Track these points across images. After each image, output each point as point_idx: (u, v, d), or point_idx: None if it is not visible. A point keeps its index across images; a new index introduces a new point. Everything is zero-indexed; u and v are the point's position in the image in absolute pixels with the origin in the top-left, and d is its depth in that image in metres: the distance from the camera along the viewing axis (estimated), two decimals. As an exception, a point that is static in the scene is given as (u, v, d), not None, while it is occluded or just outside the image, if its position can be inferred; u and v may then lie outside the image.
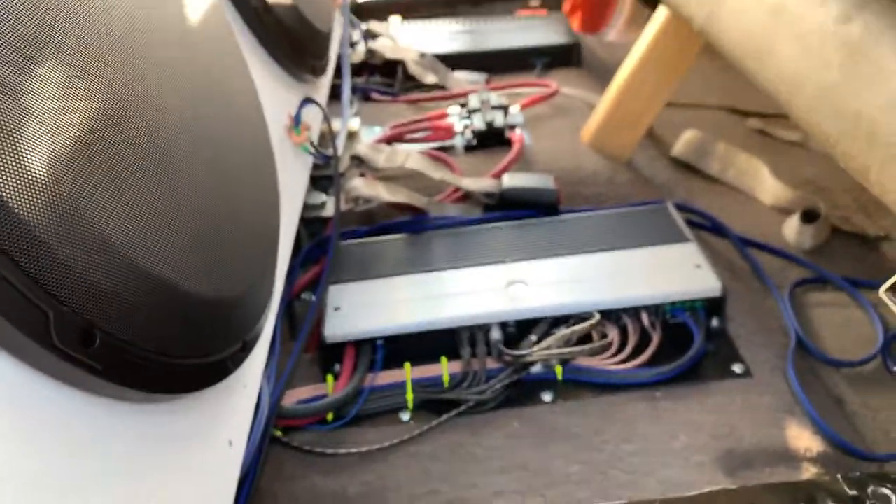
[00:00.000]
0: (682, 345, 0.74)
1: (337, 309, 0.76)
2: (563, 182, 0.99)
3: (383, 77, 1.36)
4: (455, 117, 1.20)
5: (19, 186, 0.31)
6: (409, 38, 1.45)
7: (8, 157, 0.31)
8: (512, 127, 1.16)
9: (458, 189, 0.98)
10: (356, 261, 0.83)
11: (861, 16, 0.49)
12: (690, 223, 0.89)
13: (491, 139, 1.14)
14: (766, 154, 1.07)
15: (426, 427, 0.68)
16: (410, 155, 1.00)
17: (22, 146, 0.31)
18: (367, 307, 0.76)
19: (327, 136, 0.90)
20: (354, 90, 1.28)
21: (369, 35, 1.43)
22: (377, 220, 0.93)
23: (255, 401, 0.55)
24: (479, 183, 0.96)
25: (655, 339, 0.74)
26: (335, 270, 0.81)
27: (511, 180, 0.95)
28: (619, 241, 0.82)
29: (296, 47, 0.80)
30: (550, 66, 1.40)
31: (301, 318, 0.79)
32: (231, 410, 0.50)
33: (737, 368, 0.72)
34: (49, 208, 0.32)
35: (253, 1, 0.70)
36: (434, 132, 1.17)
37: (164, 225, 0.40)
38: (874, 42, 0.47)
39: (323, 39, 0.92)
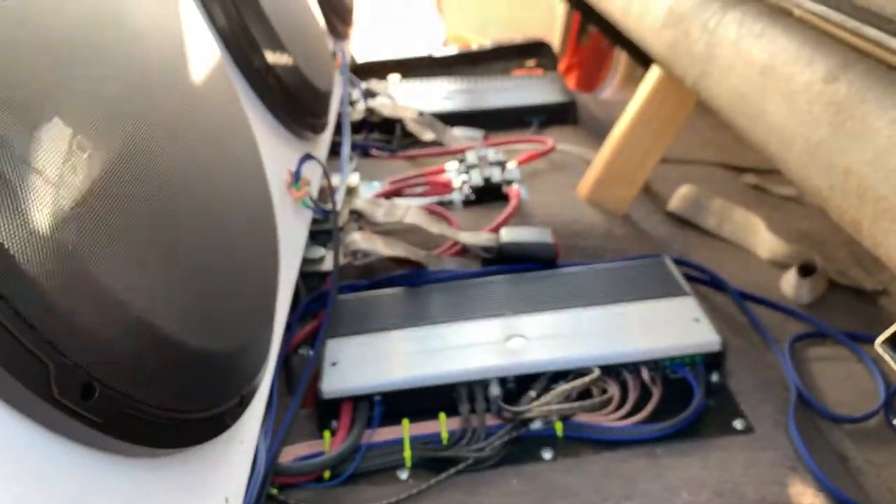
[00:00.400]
0: (682, 400, 0.73)
1: (334, 364, 0.75)
2: (561, 236, 1.00)
3: (382, 134, 1.38)
4: (453, 173, 1.21)
5: (23, 240, 0.32)
6: (407, 97, 1.49)
7: (13, 213, 0.31)
8: (509, 182, 1.17)
9: (456, 243, 0.99)
10: (354, 315, 0.83)
11: (846, 76, 0.51)
12: (688, 277, 0.90)
13: (488, 194, 1.15)
14: (762, 209, 1.08)
15: (425, 486, 0.67)
16: (409, 209, 1.01)
17: (27, 201, 0.32)
18: (365, 362, 0.75)
19: (326, 192, 0.92)
20: (354, 147, 1.30)
21: (369, 94, 1.46)
22: (376, 274, 0.94)
23: (252, 457, 0.55)
24: (477, 237, 0.97)
25: (656, 394, 0.73)
26: (333, 324, 0.81)
27: (509, 234, 0.96)
28: (618, 295, 0.83)
29: (296, 106, 0.82)
30: (547, 124, 1.43)
31: (298, 373, 0.79)
32: (228, 466, 0.49)
33: (738, 424, 0.72)
34: (52, 261, 0.33)
35: (255, 61, 0.72)
36: (432, 187, 1.18)
37: (166, 278, 0.41)
38: (860, 100, 0.49)
39: (323, 98, 0.94)
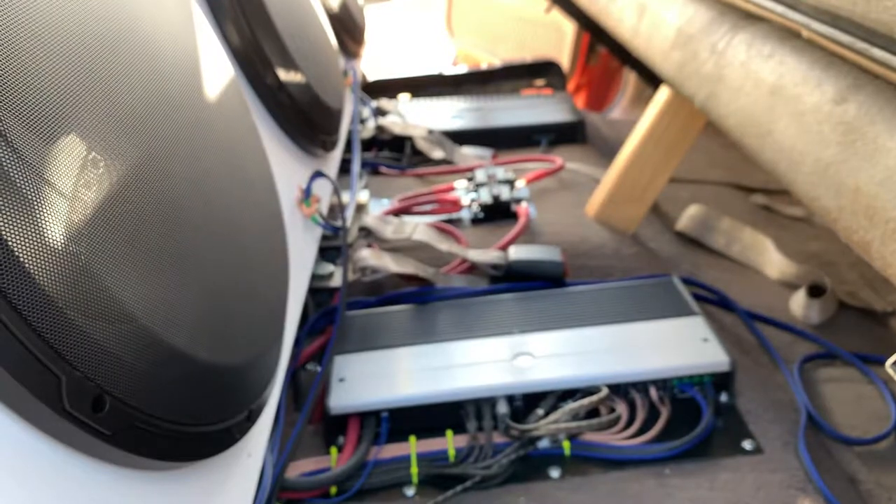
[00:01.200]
0: (691, 420, 0.73)
1: (342, 380, 0.75)
2: (570, 254, 1.00)
3: (392, 152, 1.39)
4: (462, 191, 1.22)
5: (37, 253, 0.32)
6: (417, 115, 1.49)
7: (28, 227, 0.32)
8: (518, 200, 1.17)
9: (464, 261, 0.99)
10: (362, 331, 0.83)
11: (856, 97, 0.51)
12: (697, 297, 0.90)
13: (497, 212, 1.16)
14: (771, 229, 1.08)
15: (431, 503, 0.67)
16: (418, 227, 1.01)
17: (41, 215, 0.33)
18: (373, 378, 0.75)
19: (336, 208, 0.92)
20: (364, 164, 1.31)
21: (379, 112, 1.48)
22: (384, 291, 0.94)
23: (258, 472, 0.55)
24: (485, 255, 0.97)
25: (664, 413, 0.73)
26: (341, 341, 0.81)
27: (517, 252, 0.96)
28: (627, 314, 0.82)
29: (308, 123, 0.82)
30: (555, 143, 1.43)
31: (306, 389, 0.79)
32: (235, 481, 0.49)
33: (747, 445, 0.71)
34: (66, 275, 0.33)
35: (268, 79, 0.73)
36: (441, 205, 1.19)
37: (177, 292, 0.41)
38: (869, 121, 0.49)
39: (334, 116, 0.95)
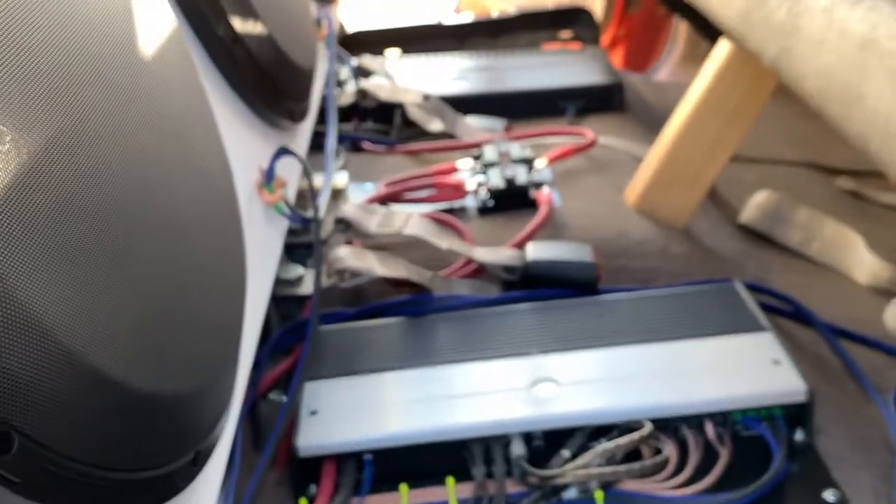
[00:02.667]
0: (757, 464, 0.73)
1: (314, 413, 0.75)
2: (603, 254, 1.00)
3: (377, 123, 1.39)
4: (467, 172, 1.22)
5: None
6: (410, 76, 1.49)
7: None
8: (538, 185, 1.18)
9: (469, 261, 0.99)
10: (340, 351, 0.83)
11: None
12: (765, 307, 0.90)
13: (511, 200, 1.16)
14: (860, 221, 1.08)
15: (427, 569, 0.67)
16: (410, 218, 1.01)
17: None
18: (353, 411, 0.75)
19: (307, 195, 0.92)
20: (341, 139, 1.31)
21: (361, 72, 1.48)
22: (367, 300, 0.94)
23: (207, 530, 0.55)
24: (496, 254, 0.97)
25: (724, 456, 0.73)
26: (313, 363, 0.81)
27: (537, 251, 0.96)
28: (676, 330, 0.82)
29: (270, 87, 0.82)
30: (586, 111, 1.43)
31: (268, 424, 0.79)
32: (177, 542, 0.49)
33: (829, 496, 0.71)
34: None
35: (220, 30, 0.73)
36: (440, 191, 1.19)
37: (105, 303, 0.41)
38: None
39: (304, 77, 0.95)
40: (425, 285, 0.92)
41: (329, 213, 1.03)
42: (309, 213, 0.88)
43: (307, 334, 0.81)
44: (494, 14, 1.73)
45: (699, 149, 1.09)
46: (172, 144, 0.54)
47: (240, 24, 0.76)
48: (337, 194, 1.11)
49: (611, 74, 1.48)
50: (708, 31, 1.50)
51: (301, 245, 0.96)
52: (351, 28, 1.68)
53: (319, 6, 1.29)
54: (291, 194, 0.88)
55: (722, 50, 1.06)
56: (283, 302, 0.91)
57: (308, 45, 1.01)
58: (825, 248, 1.05)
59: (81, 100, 0.45)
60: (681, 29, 1.72)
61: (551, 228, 1.10)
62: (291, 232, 0.92)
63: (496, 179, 1.17)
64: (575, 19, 1.71)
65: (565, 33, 1.71)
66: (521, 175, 1.17)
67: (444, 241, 0.99)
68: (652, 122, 1.34)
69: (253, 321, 0.69)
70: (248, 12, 0.79)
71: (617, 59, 1.81)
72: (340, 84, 1.43)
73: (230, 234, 0.62)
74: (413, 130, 1.37)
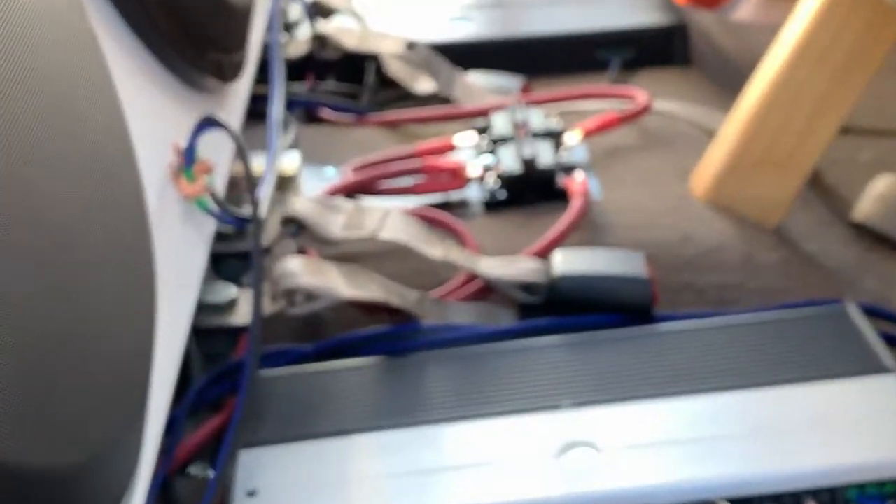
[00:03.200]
0: (881, 562, 0.73)
1: (252, 494, 0.75)
2: (661, 266, 1.00)
3: (342, 82, 1.39)
4: (469, 151, 1.22)
5: None
6: (387, 16, 1.49)
7: None
8: (568, 169, 1.17)
9: (472, 277, 0.99)
10: (289, 406, 0.83)
11: None
12: (890, 339, 0.90)
13: (532, 190, 1.16)
14: None
15: None
16: (389, 217, 1.01)
17: None
18: (308, 491, 0.75)
19: (242, 184, 0.92)
20: (291, 104, 1.30)
21: (319, 10, 1.47)
22: (328, 333, 0.94)
23: None
24: (510, 267, 0.97)
25: (832, 551, 0.73)
26: (251, 423, 0.80)
27: (568, 263, 0.96)
28: (764, 374, 0.82)
29: (189, 31, 0.82)
30: (635, 65, 1.43)
31: (188, 511, 0.78)
32: None
33: None
34: None
35: (118, -48, 0.73)
36: (431, 177, 1.19)
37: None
38: None
39: (237, 18, 0.94)
40: (410, 311, 0.92)
41: (274, 211, 1.02)
42: (246, 211, 0.87)
43: (242, 382, 0.80)
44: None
45: (796, 117, 1.09)
46: (45, 115, 0.54)
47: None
48: (285, 183, 1.11)
49: (670, 13, 1.48)
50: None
51: (234, 255, 0.95)
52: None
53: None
54: (220, 183, 0.87)
55: (827, -22, 1.06)
56: (208, 336, 0.91)
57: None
58: (974, 255, 1.05)
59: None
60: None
61: (588, 230, 1.10)
62: (221, 237, 0.91)
63: (510, 161, 1.17)
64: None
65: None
66: (544, 155, 1.17)
67: (437, 249, 0.98)
68: (728, 80, 1.33)
69: (165, 365, 0.69)
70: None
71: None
72: (289, 28, 1.43)
73: (132, 244, 0.61)
74: (392, 92, 1.37)
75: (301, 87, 1.37)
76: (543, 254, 1.01)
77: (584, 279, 0.94)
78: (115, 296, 0.57)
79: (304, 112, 1.34)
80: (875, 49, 1.05)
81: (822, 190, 1.17)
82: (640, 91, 1.31)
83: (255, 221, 0.87)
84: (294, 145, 1.22)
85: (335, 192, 1.15)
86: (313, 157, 1.22)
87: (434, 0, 1.55)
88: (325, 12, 1.48)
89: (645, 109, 1.28)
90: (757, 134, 1.10)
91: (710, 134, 1.20)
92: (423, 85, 1.36)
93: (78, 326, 0.51)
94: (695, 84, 1.39)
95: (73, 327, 0.50)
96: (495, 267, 0.97)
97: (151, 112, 0.76)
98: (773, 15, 1.55)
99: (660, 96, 1.32)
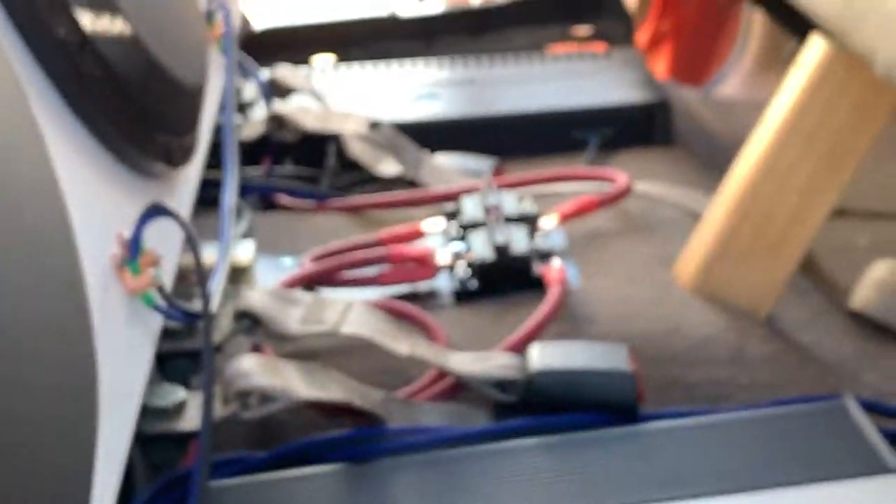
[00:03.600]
0: None
1: None
2: (646, 360, 1.00)
3: (300, 165, 1.40)
4: (437, 238, 1.22)
5: None
6: (349, 95, 1.51)
7: None
8: (545, 256, 1.18)
9: (443, 375, 0.98)
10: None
11: None
12: (892, 437, 0.90)
13: (505, 279, 1.16)
14: None
15: None
16: (351, 310, 1.00)
17: None
18: None
19: (192, 277, 0.92)
20: (245, 190, 1.30)
21: (276, 90, 1.48)
22: (285, 438, 0.93)
23: None
24: (483, 362, 0.97)
25: None
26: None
27: (546, 357, 0.95)
28: (759, 475, 0.82)
29: (136, 113, 0.82)
30: (615, 144, 1.45)
31: None
32: None
33: None
34: None
35: (59, 29, 0.73)
36: (397, 267, 1.18)
37: None
38: None
39: (187, 99, 0.95)
40: (375, 413, 0.91)
41: (226, 305, 1.02)
42: (195, 305, 0.87)
43: (191, 494, 0.79)
44: (476, 3, 1.75)
45: (785, 200, 1.10)
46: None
47: (90, 21, 0.76)
48: (239, 275, 1.11)
49: (651, 89, 1.50)
50: (794, 23, 1.53)
51: (183, 354, 0.95)
52: (260, 24, 1.70)
53: (212, -8, 1.30)
54: (168, 276, 0.87)
55: (815, 52, 1.07)
56: (154, 444, 0.90)
57: (194, 50, 1.01)
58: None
59: None
60: (754, 21, 1.74)
61: (566, 322, 1.10)
62: (168, 334, 0.91)
63: (481, 248, 1.17)
64: (595, 9, 1.73)
65: (582, 29, 1.73)
66: (518, 241, 1.18)
67: (404, 344, 0.98)
68: (713, 161, 1.35)
69: (106, 477, 0.68)
70: (104, 2, 0.79)
71: (660, 66, 1.83)
72: (244, 108, 1.44)
73: (70, 343, 0.61)
74: (355, 175, 1.38)
75: (256, 172, 1.38)
76: (519, 348, 1.01)
77: (563, 375, 0.94)
78: (50, 401, 0.56)
79: (260, 198, 1.35)
80: (865, 129, 1.07)
81: (817, 277, 1.17)
82: (619, 172, 1.32)
83: (206, 317, 0.87)
84: (248, 234, 1.23)
85: (293, 283, 1.15)
86: (269, 247, 1.22)
87: (398, 77, 1.57)
88: (282, 91, 1.49)
89: (625, 192, 1.29)
90: (744, 217, 1.11)
91: (694, 217, 1.21)
92: (388, 167, 1.37)
93: (5, 437, 0.50)
94: (678, 164, 1.40)
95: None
96: (467, 363, 0.97)
97: (93, 199, 0.76)
98: (759, 91, 1.57)
99: (641, 178, 1.33)
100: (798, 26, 1.38)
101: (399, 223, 1.27)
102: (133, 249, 0.78)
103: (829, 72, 1.06)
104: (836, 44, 1.00)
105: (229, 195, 1.12)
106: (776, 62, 1.69)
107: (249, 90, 1.46)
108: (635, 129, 1.46)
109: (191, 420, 0.90)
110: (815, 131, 1.07)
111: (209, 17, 1.22)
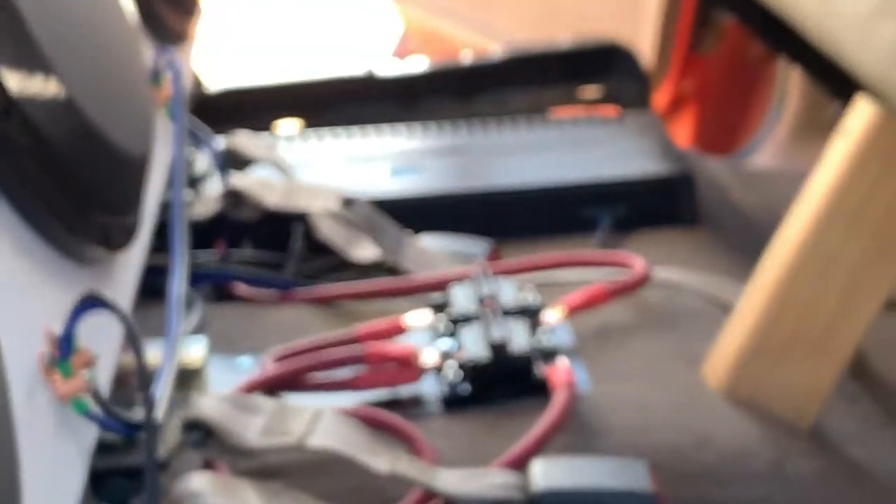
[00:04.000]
0: None
1: None
2: (669, 477, 1.00)
3: (261, 249, 1.40)
4: (422, 335, 1.22)
5: None
6: (319, 167, 1.51)
7: None
8: (549, 355, 1.17)
9: (429, 495, 0.98)
10: None
11: None
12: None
13: (502, 382, 1.15)
14: None
15: None
16: (321, 419, 1.00)
17: None
18: None
19: (133, 380, 0.91)
20: (197, 277, 1.30)
21: (233, 161, 1.48)
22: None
23: None
24: (476, 480, 0.97)
25: None
26: None
27: (551, 475, 0.95)
28: None
29: (70, 190, 0.82)
30: (630, 224, 1.45)
31: None
32: None
33: None
34: None
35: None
36: (374, 368, 1.18)
37: None
38: None
39: (129, 172, 0.95)
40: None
41: (174, 414, 1.02)
42: (137, 414, 0.87)
43: None
44: (467, 59, 1.76)
45: (830, 289, 1.10)
46: None
47: (18, 82, 0.76)
48: (188, 378, 1.10)
49: (672, 160, 1.50)
50: (837, 84, 1.54)
51: (121, 471, 0.95)
52: (215, 85, 1.71)
53: (159, 48, 1.30)
54: (105, 379, 0.87)
55: (861, 117, 1.08)
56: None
57: (138, 115, 1.02)
58: None
59: None
60: (791, 81, 1.75)
61: (575, 433, 1.09)
62: (104, 448, 0.90)
63: (475, 346, 1.16)
64: (608, 66, 1.74)
65: (590, 90, 1.74)
66: (518, 337, 1.17)
67: (383, 460, 0.98)
68: (745, 243, 1.35)
69: None
70: (33, 60, 0.79)
71: (682, 133, 1.84)
72: (196, 182, 1.43)
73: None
74: (325, 261, 1.37)
75: (209, 256, 1.37)
76: (519, 464, 1.00)
77: (572, 496, 0.94)
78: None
79: (214, 287, 1.34)
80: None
81: (869, 380, 1.17)
82: (635, 257, 1.32)
83: (149, 428, 0.86)
84: (200, 329, 1.22)
85: (252, 388, 1.14)
86: (224, 345, 1.22)
87: (376, 146, 1.57)
88: (240, 163, 1.49)
89: (643, 279, 1.29)
90: (783, 309, 1.11)
91: (724, 309, 1.21)
92: (364, 251, 1.36)
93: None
94: (703, 247, 1.40)
95: None
96: (458, 482, 0.97)
97: (17, 289, 0.76)
98: (797, 162, 1.58)
99: (661, 263, 1.33)
100: (842, 87, 1.39)
101: (377, 317, 1.26)
102: (64, 348, 0.77)
103: (877, 140, 1.06)
104: (885, 107, 1.01)
105: (178, 284, 1.12)
106: (816, 129, 1.70)
107: (202, 161, 1.45)
108: (654, 206, 1.46)
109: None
110: (862, 209, 1.07)
111: (155, 77, 1.22)
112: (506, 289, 1.24)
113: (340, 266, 1.37)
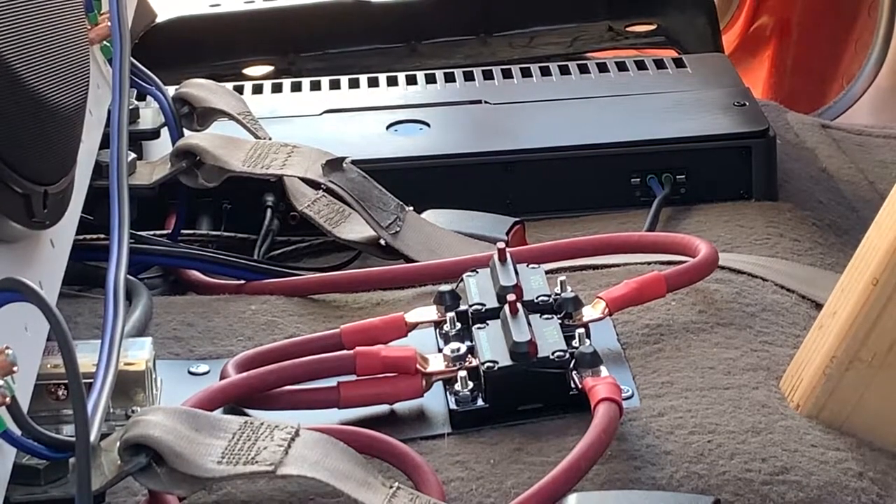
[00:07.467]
0: None
1: None
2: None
3: (223, 224, 1.41)
4: (427, 336, 1.22)
5: None
6: (296, 122, 1.52)
7: None
8: (587, 361, 1.17)
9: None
10: None
11: None
12: None
13: (528, 393, 1.16)
14: None
15: None
16: (296, 441, 1.01)
17: None
18: None
19: (60, 390, 0.92)
20: (143, 261, 1.30)
21: (188, 113, 1.48)
22: None
23: None
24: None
25: None
26: None
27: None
28: None
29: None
30: (692, 197, 1.46)
31: None
32: None
33: None
34: None
35: None
36: (365, 377, 1.18)
37: None
38: None
39: (58, 129, 0.95)
40: None
41: (112, 432, 1.02)
42: (68, 432, 0.87)
43: None
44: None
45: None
46: None
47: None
48: (130, 387, 1.11)
49: (744, 116, 1.50)
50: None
51: (50, 503, 0.96)
52: (165, 12, 1.70)
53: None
54: (25, 389, 0.88)
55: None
56: None
57: (68, 60, 1.02)
58: None
59: None
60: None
61: (620, 460, 1.10)
62: (23, 474, 0.91)
63: (493, 350, 1.16)
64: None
65: (641, 26, 1.75)
66: (548, 339, 1.17)
67: (376, 495, 0.98)
68: (836, 221, 1.35)
69: None
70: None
71: (758, 81, 1.84)
72: (140, 140, 1.44)
73: None
74: (302, 237, 1.38)
75: (158, 234, 1.38)
76: (551, 498, 1.01)
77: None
78: None
79: (163, 274, 1.35)
80: None
81: None
82: (698, 239, 1.32)
83: (81, 451, 0.87)
84: (144, 326, 1.23)
85: (210, 401, 1.14)
86: (175, 347, 1.23)
87: (368, 95, 1.57)
88: (197, 117, 1.48)
89: (707, 267, 1.29)
90: (886, 309, 1.11)
91: (810, 305, 1.21)
92: (352, 229, 1.36)
93: None
94: (784, 227, 1.39)
95: None
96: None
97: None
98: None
99: (730, 246, 1.34)
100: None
101: (369, 313, 1.27)
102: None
103: None
104: None
105: (117, 270, 1.12)
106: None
107: (149, 115, 1.46)
108: (721, 173, 1.46)
109: None
110: None
111: (90, 7, 1.22)
112: (532, 278, 1.25)
113: (322, 247, 1.37)
